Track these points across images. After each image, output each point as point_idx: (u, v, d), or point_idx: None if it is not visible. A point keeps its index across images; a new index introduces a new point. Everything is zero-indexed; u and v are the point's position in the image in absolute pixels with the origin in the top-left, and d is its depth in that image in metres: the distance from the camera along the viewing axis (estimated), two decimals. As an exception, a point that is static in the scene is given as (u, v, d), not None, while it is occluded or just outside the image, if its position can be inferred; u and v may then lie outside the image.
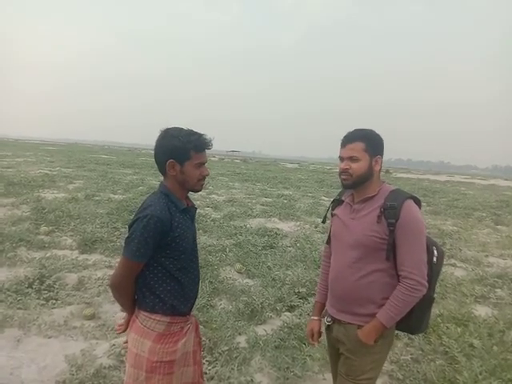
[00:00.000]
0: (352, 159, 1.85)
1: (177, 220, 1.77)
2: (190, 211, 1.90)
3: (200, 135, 1.80)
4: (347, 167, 1.86)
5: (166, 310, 1.79)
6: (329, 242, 2.14)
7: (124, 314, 1.99)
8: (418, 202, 1.85)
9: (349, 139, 1.87)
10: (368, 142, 1.86)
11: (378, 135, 1.91)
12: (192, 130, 1.81)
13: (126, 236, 1.76)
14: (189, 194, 1.95)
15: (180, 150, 1.75)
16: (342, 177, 1.90)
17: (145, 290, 1.80)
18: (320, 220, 9.23)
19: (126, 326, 1.94)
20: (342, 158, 1.90)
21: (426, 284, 1.77)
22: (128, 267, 1.75)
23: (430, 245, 1.86)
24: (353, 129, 1.93)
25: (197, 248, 1.98)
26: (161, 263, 1.78)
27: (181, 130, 1.80)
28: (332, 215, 2.09)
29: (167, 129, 1.81)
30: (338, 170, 1.96)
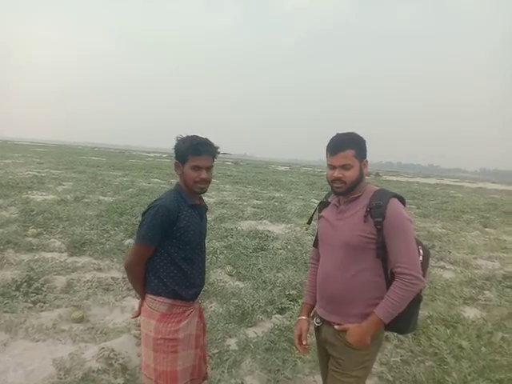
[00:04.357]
0: (345, 167, 1.84)
1: (184, 213, 1.97)
2: (198, 208, 2.08)
3: (198, 141, 1.98)
4: (340, 176, 1.85)
5: (168, 293, 1.98)
6: (316, 244, 2.14)
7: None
8: (402, 201, 1.88)
9: (339, 147, 1.86)
10: (357, 147, 1.87)
11: (362, 138, 1.91)
12: (198, 137, 2.01)
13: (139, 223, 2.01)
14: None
15: (181, 153, 1.99)
16: (335, 185, 1.88)
17: (151, 274, 2.01)
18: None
19: (139, 311, 2.11)
20: (332, 166, 1.88)
21: (423, 278, 1.79)
22: (138, 250, 1.97)
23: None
24: (335, 134, 1.92)
25: (204, 243, 2.18)
26: (167, 251, 1.97)
27: (192, 136, 2.01)
28: (319, 217, 2.09)
29: (185, 136, 2.05)
30: (327, 178, 1.92)
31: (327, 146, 1.92)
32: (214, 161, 2.07)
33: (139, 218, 2.21)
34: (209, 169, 2.02)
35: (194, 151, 1.95)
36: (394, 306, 1.77)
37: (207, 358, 2.44)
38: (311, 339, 2.80)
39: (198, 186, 2.00)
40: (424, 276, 1.85)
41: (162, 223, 1.90)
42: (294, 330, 2.15)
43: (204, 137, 2.03)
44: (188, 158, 1.96)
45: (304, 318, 2.14)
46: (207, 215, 2.27)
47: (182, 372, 1.97)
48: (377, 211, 1.79)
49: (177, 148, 2.01)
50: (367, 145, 1.94)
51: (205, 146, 1.98)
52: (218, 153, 2.09)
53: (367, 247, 1.82)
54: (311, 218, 2.26)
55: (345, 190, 1.88)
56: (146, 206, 2.01)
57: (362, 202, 1.86)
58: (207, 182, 2.02)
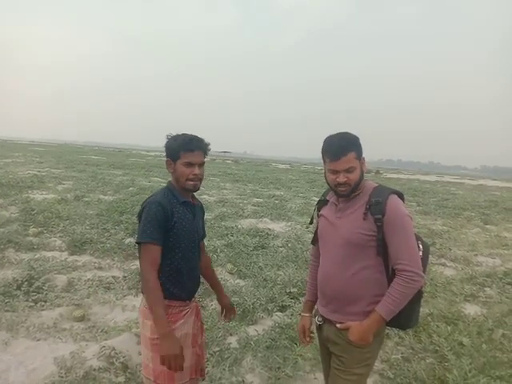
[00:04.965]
0: (348, 171, 1.82)
1: (176, 210, 1.97)
2: (190, 206, 2.07)
3: (190, 137, 1.99)
4: (346, 179, 1.82)
5: (164, 293, 1.92)
6: (314, 242, 2.14)
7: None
8: (401, 197, 1.88)
9: (340, 152, 1.81)
10: (356, 148, 1.85)
11: (357, 137, 1.89)
12: (189, 134, 2.01)
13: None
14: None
15: (173, 150, 1.99)
16: (340, 188, 1.85)
17: None
18: (311, 220, 9.24)
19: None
20: (335, 171, 1.84)
21: (423, 275, 1.79)
22: (142, 251, 1.92)
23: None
24: (329, 136, 1.89)
25: (198, 242, 2.15)
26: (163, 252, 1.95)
27: (183, 134, 2.02)
28: (318, 216, 2.08)
29: (175, 134, 2.05)
30: (329, 182, 1.89)
31: (325, 150, 1.88)
32: (205, 157, 2.06)
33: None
34: (201, 165, 2.01)
35: (187, 148, 1.96)
36: (395, 302, 1.76)
37: (207, 355, 2.43)
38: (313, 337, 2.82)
39: (191, 184, 2.00)
40: (424, 272, 1.85)
41: (157, 218, 1.89)
42: (298, 326, 2.21)
43: (194, 134, 2.03)
44: (180, 154, 1.96)
45: (306, 314, 2.18)
46: (206, 214, 2.27)
47: (179, 372, 1.95)
48: (376, 208, 1.79)
49: (168, 146, 2.01)
50: (366, 143, 1.93)
51: (196, 142, 1.99)
52: (209, 149, 2.08)
53: (368, 245, 1.82)
54: (312, 218, 2.25)
55: (349, 192, 1.87)
56: (140, 208, 2.01)
57: (362, 200, 1.86)
58: (199, 178, 2.02)
